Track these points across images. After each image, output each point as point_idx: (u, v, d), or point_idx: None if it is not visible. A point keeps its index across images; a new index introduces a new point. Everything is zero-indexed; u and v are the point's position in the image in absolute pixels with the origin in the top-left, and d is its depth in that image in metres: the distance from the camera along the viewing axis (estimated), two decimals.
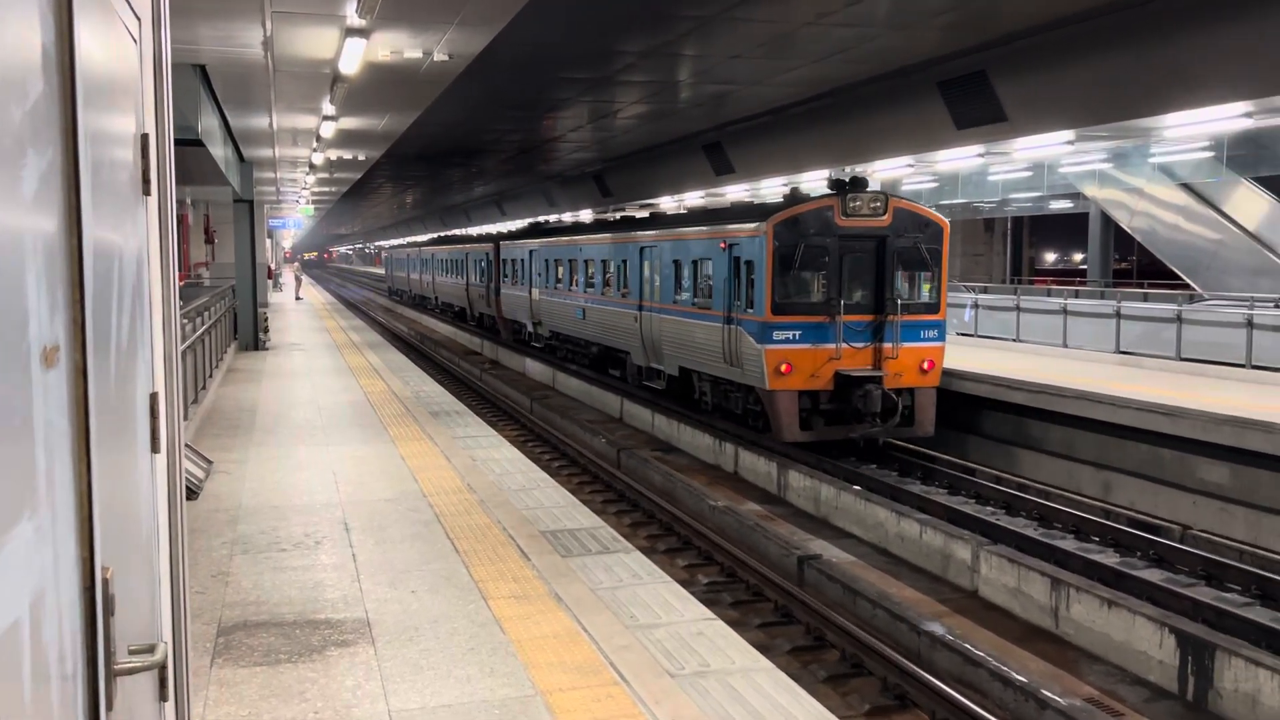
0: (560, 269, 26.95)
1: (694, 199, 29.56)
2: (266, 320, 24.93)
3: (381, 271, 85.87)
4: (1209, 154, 21.98)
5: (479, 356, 34.76)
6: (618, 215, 31.28)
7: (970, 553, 11.17)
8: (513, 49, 13.59)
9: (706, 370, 17.96)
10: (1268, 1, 11.26)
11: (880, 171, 21.52)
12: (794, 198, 16.50)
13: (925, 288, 16.20)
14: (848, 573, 11.06)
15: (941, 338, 16.20)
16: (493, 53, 12.39)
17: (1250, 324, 17.45)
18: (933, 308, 16.16)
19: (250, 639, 6.08)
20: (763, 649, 8.89)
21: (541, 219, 36.90)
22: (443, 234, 54.55)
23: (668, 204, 31.01)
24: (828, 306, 15.60)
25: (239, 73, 13.44)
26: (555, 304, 27.46)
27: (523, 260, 30.75)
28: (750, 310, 15.95)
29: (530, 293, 29.96)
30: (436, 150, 28.39)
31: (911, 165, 20.15)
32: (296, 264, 74.56)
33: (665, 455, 17.77)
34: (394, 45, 11.77)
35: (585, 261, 24.59)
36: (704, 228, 18.00)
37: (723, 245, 16.76)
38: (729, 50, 15.32)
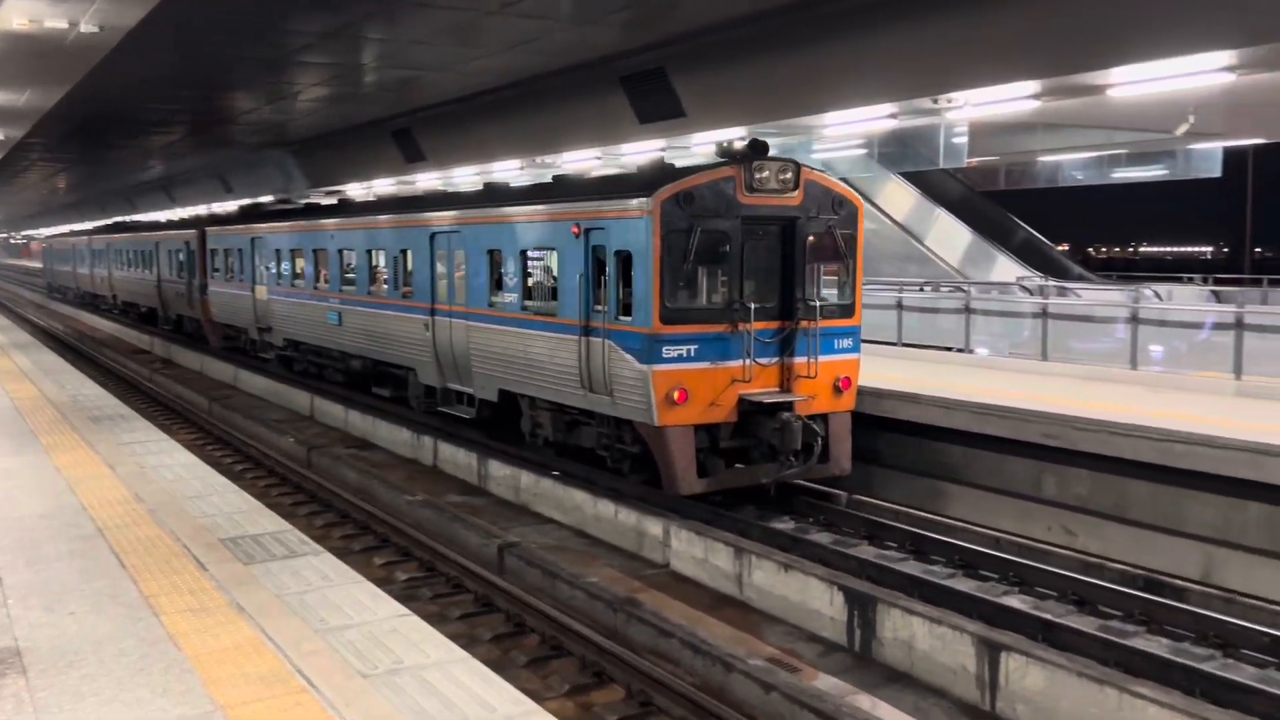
0: (301, 261, 22.05)
1: (385, 186, 28.76)
2: None
3: (37, 265, 77.05)
4: (862, 151, 24.07)
5: (148, 355, 32.16)
6: (373, 195, 27.50)
7: (662, 528, 11.63)
8: (176, 23, 12.64)
9: (548, 397, 13.83)
10: (910, 15, 12.46)
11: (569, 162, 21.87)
12: (662, 167, 12.82)
13: (838, 284, 12.98)
14: (547, 557, 11.20)
15: (856, 348, 12.94)
16: (153, 26, 11.48)
17: (900, 306, 19.35)
18: (847, 310, 12.82)
19: None
20: (464, 640, 8.84)
21: (266, 199, 32.18)
22: (124, 219, 45.94)
23: (355, 191, 29.96)
24: (730, 312, 12.00)
25: None
26: (294, 306, 22.35)
27: (242, 250, 25.29)
28: (627, 319, 12.08)
29: (254, 291, 24.60)
30: (95, 130, 25.92)
31: (599, 158, 20.63)
32: None
33: (361, 452, 17.24)
34: (32, 13, 10.62)
35: (341, 252, 20.07)
36: (541, 206, 13.80)
37: (575, 230, 12.76)
38: (413, 35, 15.03)
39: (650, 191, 11.77)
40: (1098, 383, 14.52)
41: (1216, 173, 25.50)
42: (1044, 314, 16.79)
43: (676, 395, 11.66)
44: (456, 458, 15.78)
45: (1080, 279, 25.21)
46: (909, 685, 8.62)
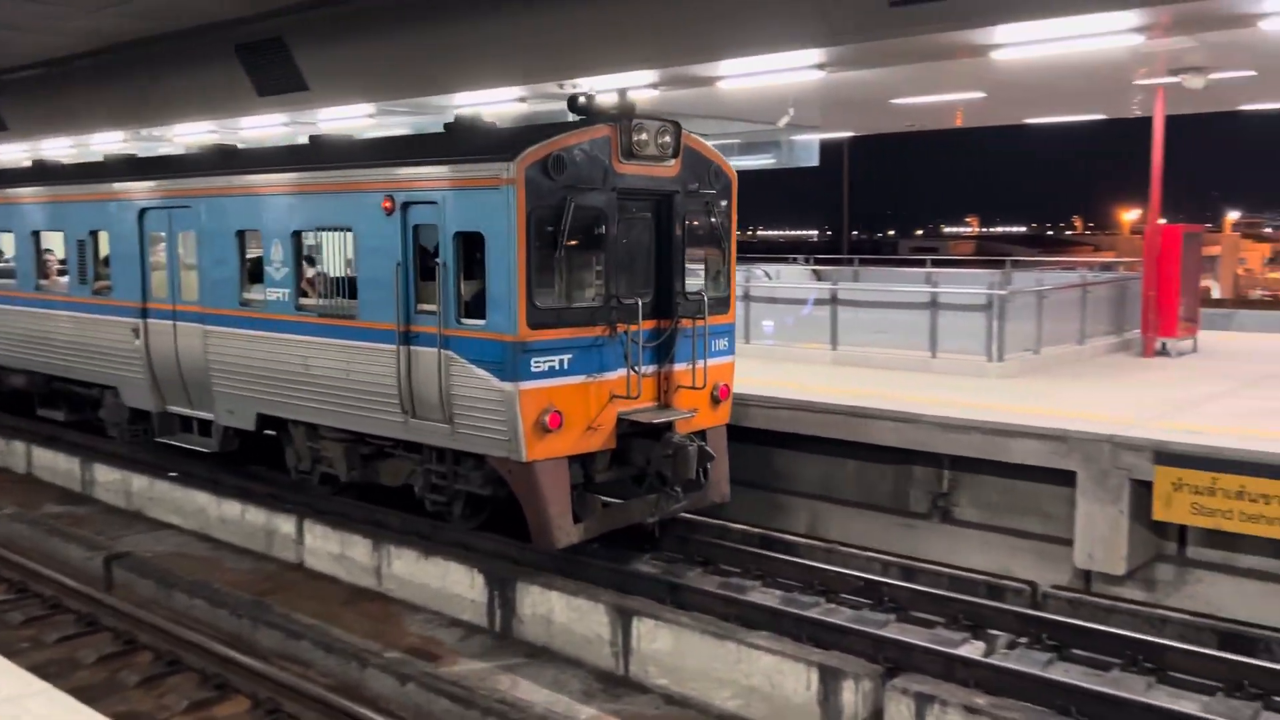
0: None
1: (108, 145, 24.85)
2: None
3: None
4: None
5: None
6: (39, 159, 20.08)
7: (294, 525, 11.09)
8: None
9: (341, 425, 10.79)
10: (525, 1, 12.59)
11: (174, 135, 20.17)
12: (476, 124, 10.20)
13: (713, 273, 10.66)
14: (162, 566, 10.39)
15: (732, 349, 10.84)
16: None
17: None
18: (723, 304, 10.62)
19: None
20: (62, 665, 8.03)
21: None
22: None
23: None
24: (608, 311, 9.51)
25: None
26: None
27: None
28: (476, 322, 9.31)
29: None
30: None
31: (215, 131, 19.21)
32: None
33: None
34: None
35: None
36: (328, 174, 10.73)
37: (387, 205, 9.85)
38: None
39: (510, 154, 8.94)
40: None
41: (815, 162, 28.04)
42: None
43: (549, 420, 9.08)
44: (55, 464, 14.22)
45: None
46: (549, 659, 8.80)
